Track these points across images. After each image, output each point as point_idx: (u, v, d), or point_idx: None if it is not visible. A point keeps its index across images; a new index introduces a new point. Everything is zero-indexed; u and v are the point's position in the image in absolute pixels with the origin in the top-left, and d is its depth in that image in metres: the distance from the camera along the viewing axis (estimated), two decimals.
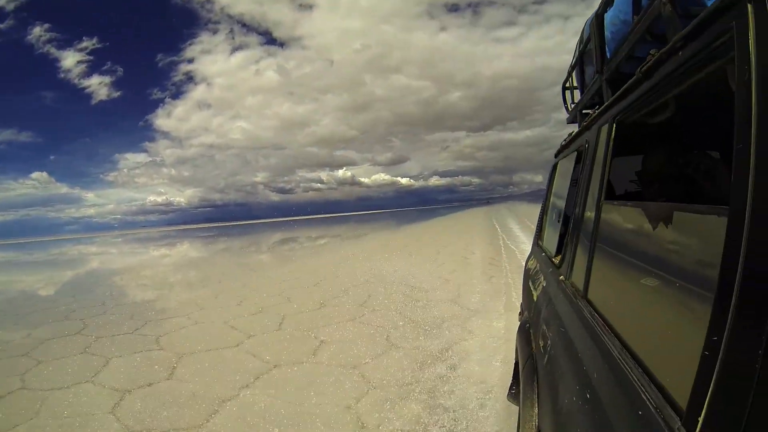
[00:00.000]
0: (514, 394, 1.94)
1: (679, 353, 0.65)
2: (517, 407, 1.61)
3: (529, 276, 2.37)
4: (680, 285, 0.67)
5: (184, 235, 37.72)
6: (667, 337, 0.73)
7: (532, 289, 2.08)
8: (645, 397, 0.63)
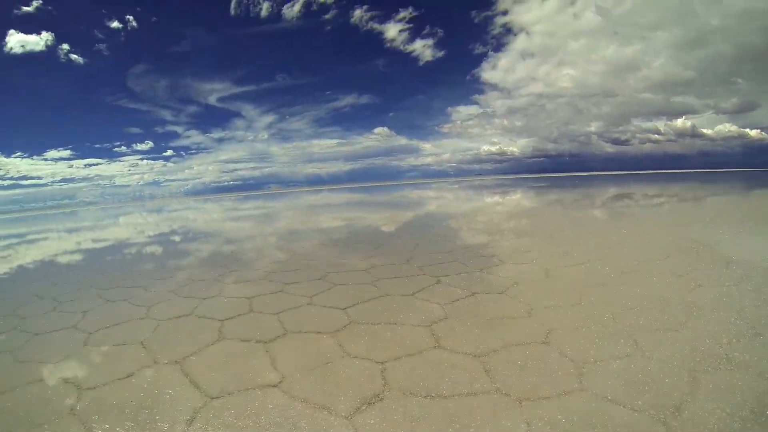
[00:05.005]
0: None
1: None
2: None
3: None
4: None
5: (517, 184, 38.94)
6: None
7: None
8: None
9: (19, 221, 40.15)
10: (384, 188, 53.94)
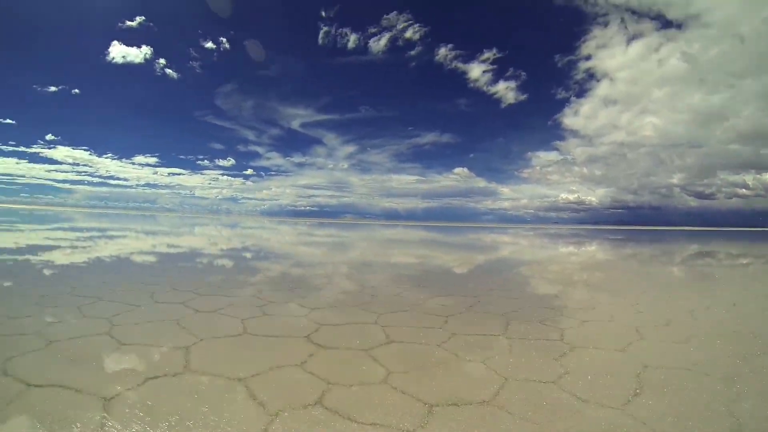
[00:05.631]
0: None
1: None
2: None
3: None
4: None
5: (593, 235, 39.40)
6: None
7: None
8: None
9: (102, 217, 44.48)
10: (459, 229, 53.53)
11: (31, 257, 7.54)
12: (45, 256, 7.81)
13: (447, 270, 8.40)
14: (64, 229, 17.86)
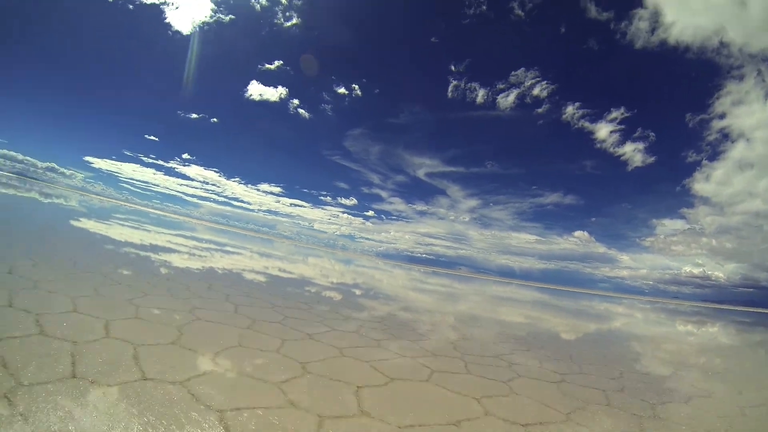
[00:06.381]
0: None
1: None
2: None
3: None
4: None
5: (718, 315, 36.10)
6: None
7: None
8: None
9: (222, 233, 47.79)
10: (573, 294, 50.36)
11: (152, 254, 8.83)
12: (164, 256, 9.01)
13: (553, 335, 8.50)
14: (185, 237, 20.23)
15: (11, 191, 27.73)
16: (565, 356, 5.72)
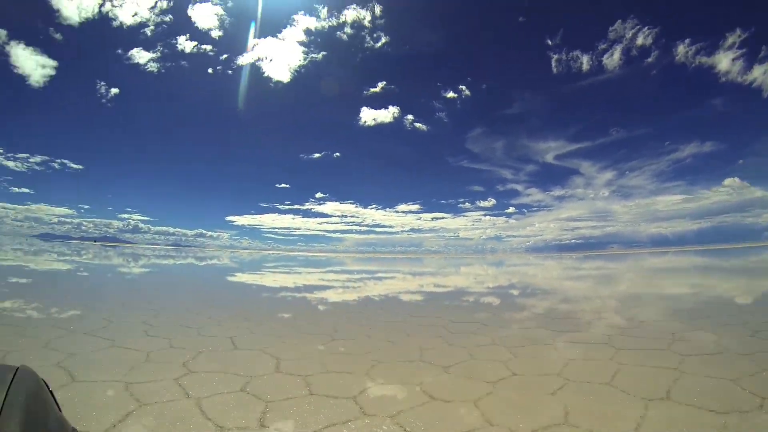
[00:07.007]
0: None
1: None
2: None
3: None
4: None
5: None
6: None
7: None
8: None
9: (371, 260, 49.94)
10: (737, 251, 44.23)
11: (320, 294, 9.20)
12: (325, 294, 9.30)
13: (726, 301, 8.08)
14: (336, 272, 20.69)
15: (170, 261, 30.39)
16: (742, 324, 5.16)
